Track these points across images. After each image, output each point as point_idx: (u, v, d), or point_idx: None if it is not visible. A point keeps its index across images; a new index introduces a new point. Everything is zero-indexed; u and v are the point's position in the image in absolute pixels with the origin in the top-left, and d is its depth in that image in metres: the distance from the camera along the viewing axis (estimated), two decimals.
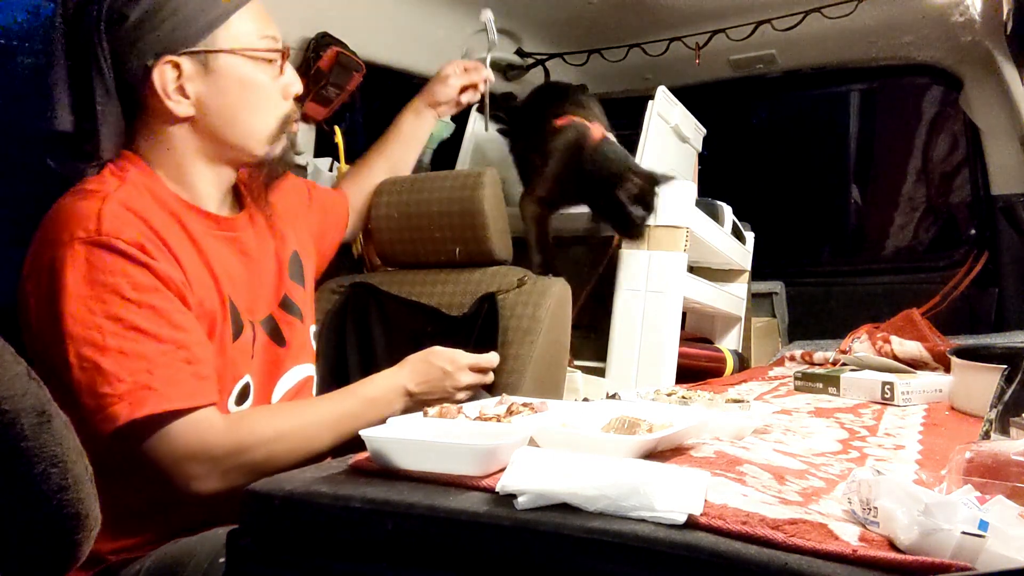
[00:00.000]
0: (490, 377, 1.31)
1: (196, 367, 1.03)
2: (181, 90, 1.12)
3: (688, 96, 2.38)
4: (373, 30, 2.11)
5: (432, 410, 0.96)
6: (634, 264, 2.00)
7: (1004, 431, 1.00)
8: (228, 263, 1.17)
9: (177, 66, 1.11)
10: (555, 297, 1.64)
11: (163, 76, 1.10)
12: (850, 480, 0.74)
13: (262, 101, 1.18)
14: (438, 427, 0.91)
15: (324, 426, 1.13)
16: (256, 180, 1.25)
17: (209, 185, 1.18)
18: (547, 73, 2.67)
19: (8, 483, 0.61)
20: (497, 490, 0.72)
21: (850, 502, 0.73)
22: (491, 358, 1.30)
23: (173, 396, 1.00)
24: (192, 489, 1.03)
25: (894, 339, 1.75)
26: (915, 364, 1.72)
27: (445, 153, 2.51)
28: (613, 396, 1.38)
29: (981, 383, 1.23)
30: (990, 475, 0.76)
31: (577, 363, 1.97)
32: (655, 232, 2.01)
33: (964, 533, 0.60)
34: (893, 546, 0.65)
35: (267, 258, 1.27)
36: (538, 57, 2.62)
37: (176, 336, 1.02)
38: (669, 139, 2.33)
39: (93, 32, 1.08)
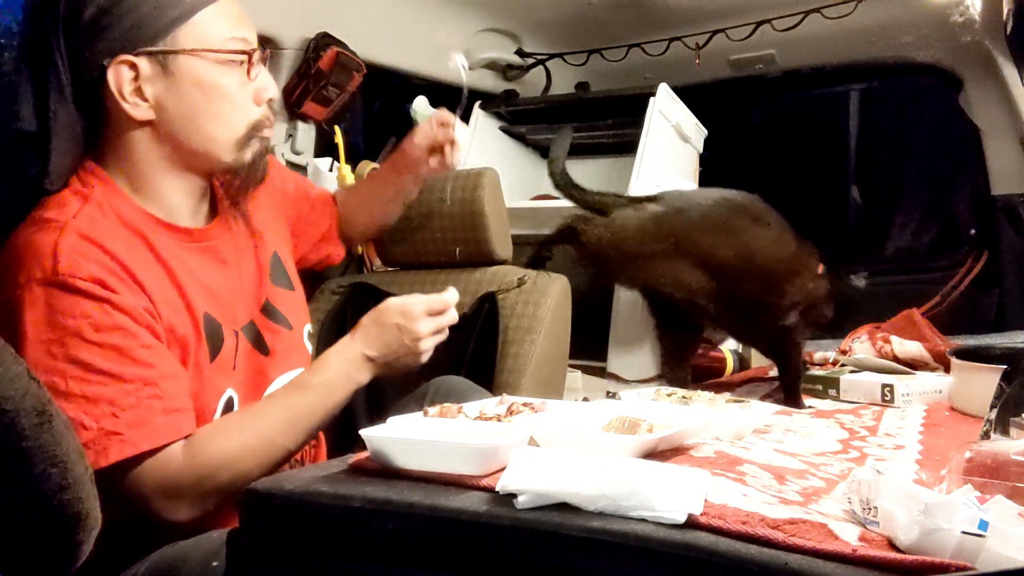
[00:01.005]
0: (452, 316, 1.19)
1: (166, 401, 1.00)
2: (139, 92, 1.06)
3: (688, 96, 2.37)
4: (373, 30, 2.11)
5: (432, 410, 0.96)
6: None
7: (1004, 431, 1.00)
8: (203, 276, 1.13)
9: (133, 66, 1.05)
10: (556, 296, 1.64)
11: (118, 77, 1.05)
12: (850, 480, 0.74)
13: (226, 106, 1.11)
14: (438, 427, 0.91)
15: (284, 430, 1.07)
16: (230, 188, 1.19)
17: (177, 194, 1.13)
18: (548, 73, 2.67)
19: (8, 483, 0.61)
20: (497, 490, 0.72)
21: (850, 502, 0.73)
22: (446, 297, 1.18)
23: (138, 439, 0.97)
24: (166, 519, 1.00)
25: (894, 339, 1.75)
26: (915, 364, 1.71)
27: None
28: (613, 396, 1.38)
29: (981, 383, 1.23)
30: (990, 475, 0.76)
31: (577, 363, 1.98)
32: None
33: (964, 533, 0.60)
34: (893, 546, 0.65)
35: (246, 262, 1.22)
36: (538, 57, 2.62)
37: (142, 373, 0.99)
38: (670, 138, 2.33)
39: (50, 29, 1.04)
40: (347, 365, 1.13)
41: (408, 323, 1.14)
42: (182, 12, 1.07)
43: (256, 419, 1.08)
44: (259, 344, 1.20)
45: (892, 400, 1.42)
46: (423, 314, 1.15)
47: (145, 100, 1.07)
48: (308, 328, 1.32)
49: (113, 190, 1.09)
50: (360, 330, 1.16)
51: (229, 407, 1.13)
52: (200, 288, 1.11)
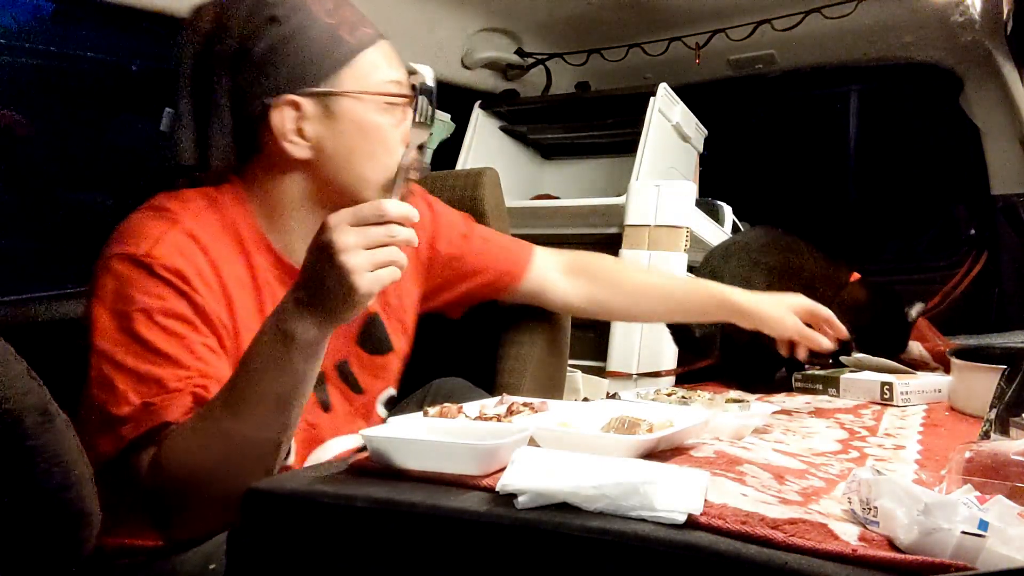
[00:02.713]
0: (400, 232, 0.89)
1: (208, 393, 0.95)
2: (300, 131, 1.06)
3: (688, 96, 2.38)
4: None
5: (432, 410, 0.96)
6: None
7: (1004, 431, 1.00)
8: None
9: (298, 106, 1.06)
10: None
11: (282, 116, 1.05)
12: (850, 480, 0.74)
13: (381, 147, 1.10)
14: (438, 427, 0.91)
15: (225, 408, 0.92)
16: None
17: (305, 232, 1.07)
18: (548, 73, 2.67)
19: (11, 482, 0.62)
20: (497, 490, 0.72)
21: (850, 502, 0.73)
22: (383, 203, 0.88)
23: (163, 412, 0.93)
24: (158, 526, 0.96)
25: None
26: (915, 364, 1.72)
27: (445, 153, 2.52)
28: (613, 396, 1.39)
29: (981, 383, 1.23)
30: (990, 475, 0.76)
31: (577, 363, 1.98)
32: (655, 232, 2.01)
33: (964, 533, 0.60)
34: (893, 546, 0.65)
35: None
36: (538, 57, 2.62)
37: (198, 365, 0.96)
38: (670, 137, 2.33)
39: (216, 68, 1.05)
40: (274, 317, 0.92)
41: (323, 235, 0.88)
42: (347, 53, 1.08)
43: (204, 412, 0.94)
44: (323, 397, 1.17)
45: (891, 399, 1.43)
46: (343, 223, 0.87)
47: (305, 139, 1.07)
48: (389, 392, 1.26)
49: (241, 207, 1.10)
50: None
51: (287, 452, 1.07)
52: None
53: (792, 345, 1.42)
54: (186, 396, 0.95)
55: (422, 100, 0.94)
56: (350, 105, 1.07)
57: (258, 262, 1.08)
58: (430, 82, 0.97)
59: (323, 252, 0.87)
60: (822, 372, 1.60)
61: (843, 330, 1.40)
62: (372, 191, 1.11)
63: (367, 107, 1.08)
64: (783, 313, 1.38)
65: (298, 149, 1.07)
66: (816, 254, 1.75)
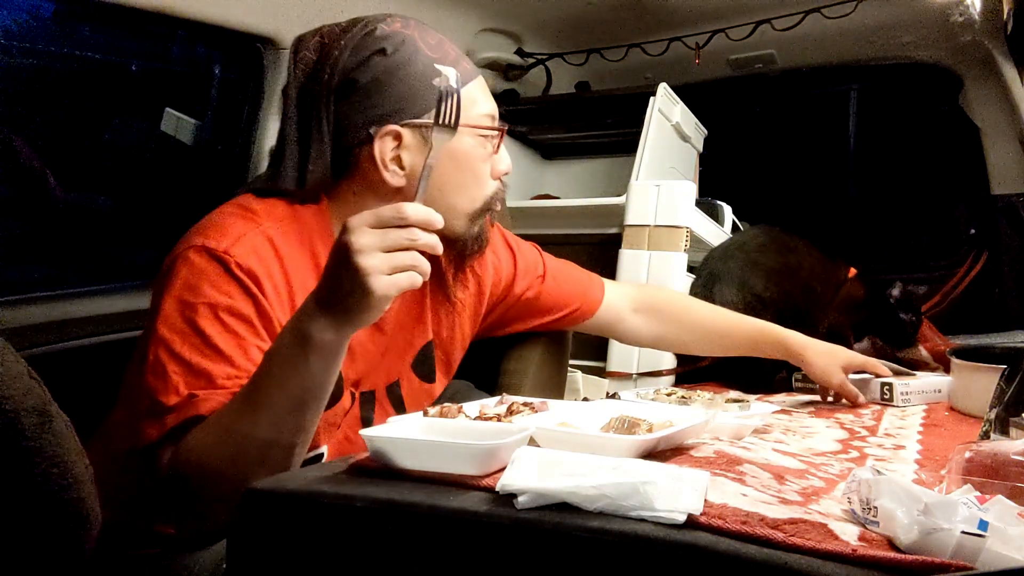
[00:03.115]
0: (418, 236, 0.88)
1: None
2: (397, 160, 1.09)
3: (688, 96, 2.38)
4: None
5: (432, 410, 0.96)
6: (634, 264, 2.00)
7: (1004, 431, 1.00)
8: None
9: (399, 136, 1.08)
10: None
11: (383, 145, 1.08)
12: (850, 480, 0.74)
13: (471, 179, 1.13)
14: (438, 427, 0.91)
15: (243, 415, 0.91)
16: (446, 257, 1.17)
17: None
18: (548, 73, 2.67)
19: (10, 483, 0.62)
20: (497, 490, 0.72)
21: (850, 502, 0.73)
22: (403, 207, 0.87)
23: (203, 408, 0.93)
24: (175, 521, 0.98)
25: None
26: (915, 364, 1.72)
27: None
28: (613, 396, 1.39)
29: (981, 383, 1.23)
30: (990, 475, 0.76)
31: (577, 363, 1.97)
32: (655, 232, 2.01)
33: (964, 533, 0.60)
34: (893, 546, 0.65)
35: (399, 337, 1.21)
36: (538, 57, 2.62)
37: (249, 368, 0.96)
38: (670, 137, 2.33)
39: (322, 97, 1.08)
40: (295, 320, 0.92)
41: (342, 235, 0.87)
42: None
43: (222, 411, 0.95)
44: (367, 415, 1.19)
45: (891, 399, 1.43)
46: (362, 224, 0.86)
47: (402, 168, 1.09)
48: None
49: (323, 224, 1.11)
50: None
51: (313, 462, 1.07)
52: None
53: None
54: (229, 395, 0.95)
55: (449, 102, 0.94)
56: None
57: None
58: (454, 83, 0.95)
59: (341, 253, 0.86)
60: None
61: (889, 372, 1.48)
62: (458, 221, 1.13)
63: (463, 139, 1.10)
64: (831, 366, 1.44)
65: (395, 178, 1.09)
66: (814, 253, 1.75)
